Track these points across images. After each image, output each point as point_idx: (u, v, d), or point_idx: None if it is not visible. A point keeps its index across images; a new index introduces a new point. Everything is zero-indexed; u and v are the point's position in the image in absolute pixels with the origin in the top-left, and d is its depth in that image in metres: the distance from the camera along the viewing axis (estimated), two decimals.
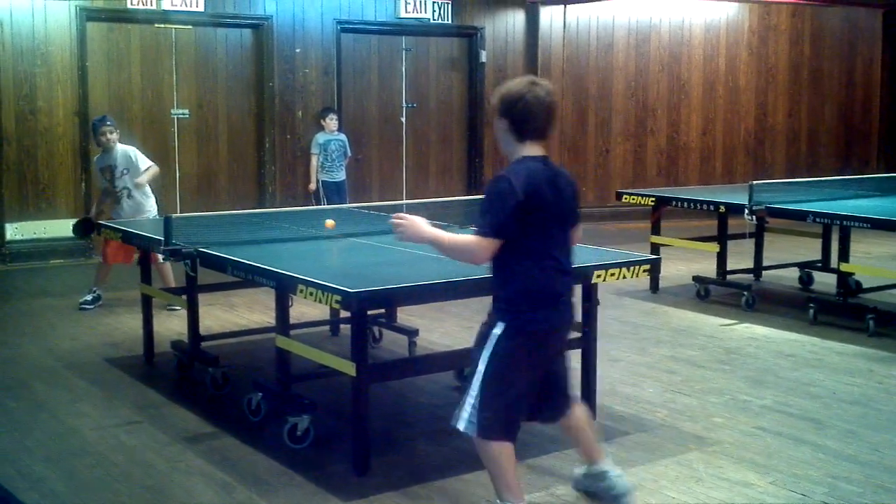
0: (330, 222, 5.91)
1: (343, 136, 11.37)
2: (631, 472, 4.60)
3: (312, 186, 11.23)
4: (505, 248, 3.80)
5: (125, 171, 8.19)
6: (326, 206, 10.05)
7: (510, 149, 3.91)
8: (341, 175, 11.29)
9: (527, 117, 3.83)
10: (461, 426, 3.92)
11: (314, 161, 11.24)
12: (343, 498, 4.33)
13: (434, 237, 3.94)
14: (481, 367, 3.88)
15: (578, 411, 4.22)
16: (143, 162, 8.25)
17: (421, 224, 3.95)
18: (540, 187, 3.80)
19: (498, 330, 3.85)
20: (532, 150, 3.87)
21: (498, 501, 3.96)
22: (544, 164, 3.88)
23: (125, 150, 8.29)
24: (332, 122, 11.28)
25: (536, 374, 3.99)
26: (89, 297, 8.27)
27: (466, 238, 3.87)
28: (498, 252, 3.81)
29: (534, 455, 4.82)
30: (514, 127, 3.86)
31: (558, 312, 3.94)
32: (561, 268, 3.92)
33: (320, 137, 11.25)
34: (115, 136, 8.23)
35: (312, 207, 9.73)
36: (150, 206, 8.28)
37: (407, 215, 3.99)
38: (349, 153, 11.41)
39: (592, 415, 5.29)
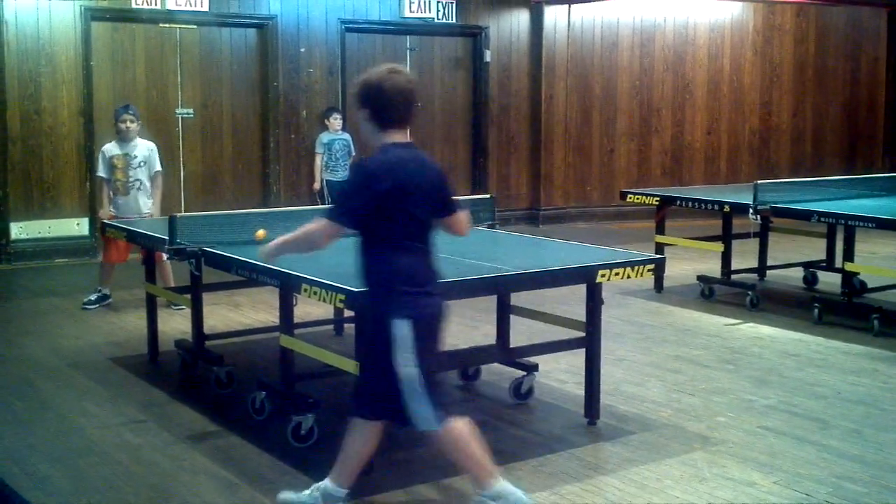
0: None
1: (347, 136, 11.37)
2: (635, 472, 4.61)
3: (317, 186, 11.23)
4: (376, 239, 3.87)
5: (142, 164, 8.19)
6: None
7: (374, 137, 3.93)
8: (345, 174, 11.29)
9: (386, 106, 3.85)
10: (424, 427, 3.95)
11: (318, 160, 11.25)
12: (346, 496, 4.32)
13: (280, 243, 4.04)
14: (405, 370, 3.83)
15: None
16: (158, 163, 8.28)
17: (271, 244, 4.07)
18: (403, 174, 3.82)
19: (397, 330, 3.80)
20: (395, 137, 3.89)
21: (480, 491, 3.98)
22: (408, 150, 3.90)
23: (147, 144, 8.31)
24: (336, 121, 11.28)
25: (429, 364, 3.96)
26: (93, 297, 8.27)
27: (308, 225, 3.92)
28: (369, 244, 3.90)
29: (539, 454, 4.82)
30: (375, 116, 3.88)
31: (437, 295, 3.96)
32: (432, 253, 3.98)
33: (324, 137, 11.25)
34: (135, 126, 8.20)
35: (317, 207, 9.71)
36: (151, 206, 8.26)
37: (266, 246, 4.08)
38: (353, 153, 11.41)
39: (596, 414, 5.30)
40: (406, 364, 3.82)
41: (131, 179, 8.16)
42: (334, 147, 11.18)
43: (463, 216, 4.15)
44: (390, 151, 3.87)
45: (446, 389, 4.02)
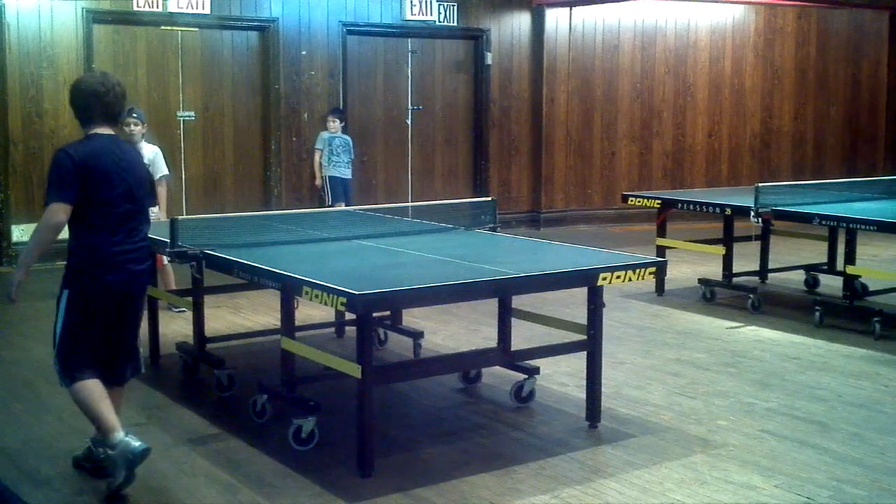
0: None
1: (347, 137, 11.35)
2: (635, 475, 4.61)
3: (318, 182, 11.24)
4: (75, 218, 4.29)
5: (147, 166, 8.16)
6: (332, 209, 10.03)
7: (82, 132, 4.48)
8: (348, 173, 11.24)
9: (83, 105, 4.44)
10: (61, 383, 4.49)
11: (317, 157, 11.22)
12: (347, 499, 4.33)
13: (20, 264, 4.47)
14: (57, 331, 4.40)
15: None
16: (164, 167, 8.26)
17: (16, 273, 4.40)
18: (99, 159, 4.31)
19: (63, 298, 4.37)
20: (99, 129, 4.43)
21: (104, 441, 4.32)
22: (111, 141, 4.42)
23: (152, 147, 8.28)
24: (332, 123, 11.22)
25: (111, 333, 4.48)
26: None
27: (41, 223, 4.29)
28: (71, 222, 4.30)
29: (540, 457, 4.82)
30: (77, 114, 4.49)
31: (118, 277, 4.37)
32: (126, 237, 4.39)
33: (324, 134, 11.25)
34: (139, 129, 8.12)
35: (318, 210, 9.69)
36: (157, 209, 8.24)
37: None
38: (353, 155, 11.36)
39: (597, 417, 5.30)
40: (57, 327, 4.40)
41: None
42: (334, 143, 11.14)
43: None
44: (93, 140, 4.40)
45: (87, 361, 4.43)
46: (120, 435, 4.29)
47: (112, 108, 4.44)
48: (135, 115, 8.21)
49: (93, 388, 4.38)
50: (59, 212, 4.24)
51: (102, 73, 4.58)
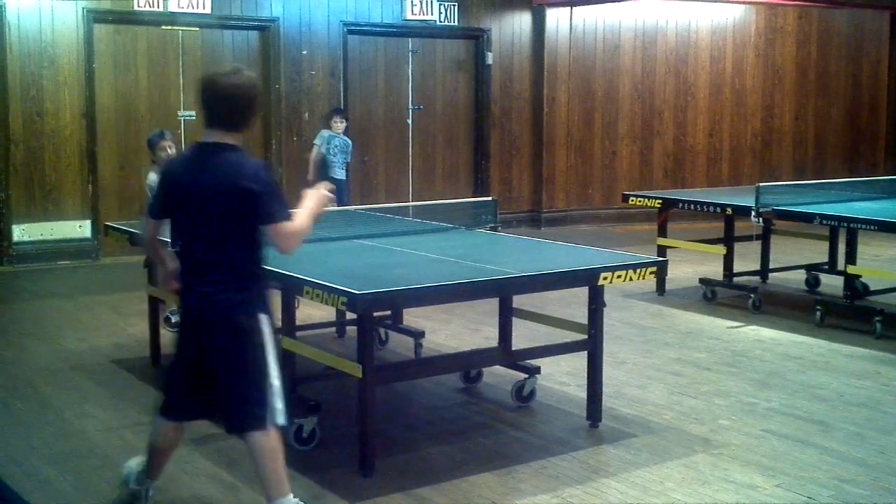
0: None
1: (348, 140, 11.33)
2: (637, 475, 4.61)
3: (311, 177, 11.21)
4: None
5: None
6: (333, 208, 10.00)
7: None
8: (342, 174, 11.22)
9: (204, 104, 3.93)
10: None
11: (314, 151, 11.10)
12: (348, 499, 4.33)
13: (159, 260, 4.17)
14: None
15: (261, 440, 3.89)
16: None
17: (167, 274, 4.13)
18: (175, 174, 3.96)
19: None
20: (208, 136, 3.93)
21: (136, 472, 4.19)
22: (208, 150, 3.89)
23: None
24: (336, 124, 11.20)
25: (191, 362, 3.97)
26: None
27: None
28: None
29: (541, 457, 4.82)
30: (202, 112, 3.95)
31: (191, 302, 3.93)
32: (195, 260, 3.89)
33: (325, 133, 11.22)
34: (174, 153, 7.95)
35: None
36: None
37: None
38: (349, 158, 11.33)
39: (598, 417, 5.30)
40: None
41: None
42: (333, 143, 11.11)
43: (285, 230, 3.90)
44: (190, 150, 4.03)
45: (170, 396, 4.14)
46: (146, 483, 4.21)
47: (236, 113, 3.93)
48: (169, 137, 7.83)
49: (157, 432, 4.14)
50: (147, 225, 4.07)
51: (235, 70, 3.96)
